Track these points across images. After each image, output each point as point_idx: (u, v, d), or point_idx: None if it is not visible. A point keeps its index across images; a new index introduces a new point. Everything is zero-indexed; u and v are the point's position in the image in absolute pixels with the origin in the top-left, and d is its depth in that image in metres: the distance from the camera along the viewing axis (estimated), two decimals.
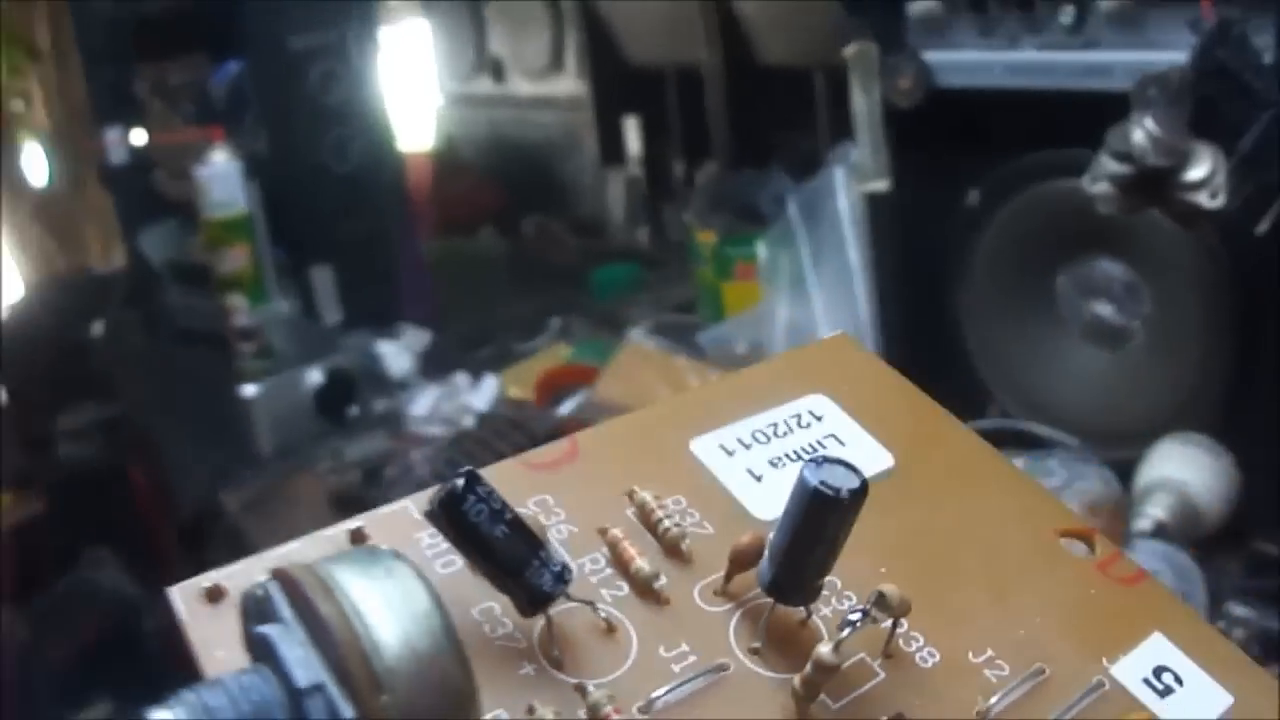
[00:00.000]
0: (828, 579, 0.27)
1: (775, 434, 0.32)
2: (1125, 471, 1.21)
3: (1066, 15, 1.18)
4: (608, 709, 0.24)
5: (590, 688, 0.25)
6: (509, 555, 0.25)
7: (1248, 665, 0.30)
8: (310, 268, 1.72)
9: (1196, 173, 1.04)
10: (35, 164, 2.40)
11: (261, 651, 0.20)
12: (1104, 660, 0.29)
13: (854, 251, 1.43)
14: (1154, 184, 1.06)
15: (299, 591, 0.20)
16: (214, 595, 0.26)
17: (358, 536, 0.28)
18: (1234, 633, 1.05)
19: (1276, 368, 1.13)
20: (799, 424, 0.32)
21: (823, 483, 0.24)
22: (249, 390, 1.57)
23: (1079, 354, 1.30)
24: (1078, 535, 0.32)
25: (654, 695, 0.25)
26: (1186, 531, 1.17)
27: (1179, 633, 0.30)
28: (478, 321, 1.94)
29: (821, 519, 0.24)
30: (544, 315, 1.90)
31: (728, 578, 0.28)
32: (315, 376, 1.61)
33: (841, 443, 0.32)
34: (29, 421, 1.71)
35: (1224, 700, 0.28)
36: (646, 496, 0.29)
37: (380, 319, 1.78)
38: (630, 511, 0.29)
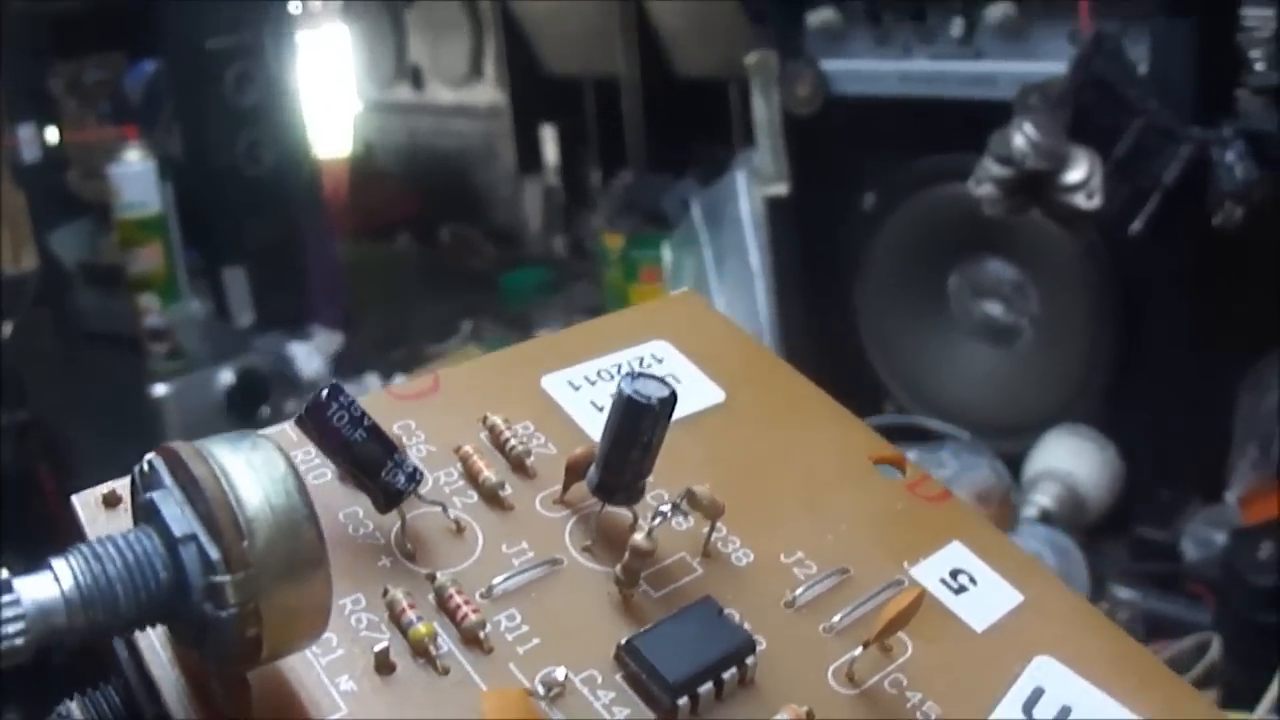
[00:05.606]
0: (655, 492, 0.31)
1: (618, 373, 0.36)
2: (1015, 462, 1.26)
3: (956, 27, 1.23)
4: (451, 590, 0.28)
5: (439, 575, 0.29)
6: (366, 456, 0.29)
7: (1040, 571, 0.34)
8: (223, 269, 1.73)
9: (1074, 175, 1.09)
10: None
11: (146, 514, 0.23)
12: (905, 563, 0.33)
13: (755, 253, 1.47)
14: (1035, 186, 1.11)
15: (178, 461, 0.23)
16: (110, 501, 0.29)
17: None
18: (1119, 614, 1.09)
19: (1156, 361, 1.18)
20: (640, 364, 0.37)
21: (636, 391, 0.28)
22: (160, 390, 1.56)
23: (970, 351, 1.36)
24: (889, 461, 0.36)
25: (494, 582, 0.29)
26: (1072, 518, 1.22)
27: (977, 542, 0.34)
28: (390, 324, 1.97)
29: (636, 423, 0.28)
30: (456, 318, 1.94)
31: (565, 487, 0.32)
32: (227, 377, 1.60)
33: (678, 380, 0.36)
34: None
35: (1014, 598, 0.32)
36: (497, 420, 0.33)
37: (292, 321, 1.78)
38: (483, 435, 0.33)
